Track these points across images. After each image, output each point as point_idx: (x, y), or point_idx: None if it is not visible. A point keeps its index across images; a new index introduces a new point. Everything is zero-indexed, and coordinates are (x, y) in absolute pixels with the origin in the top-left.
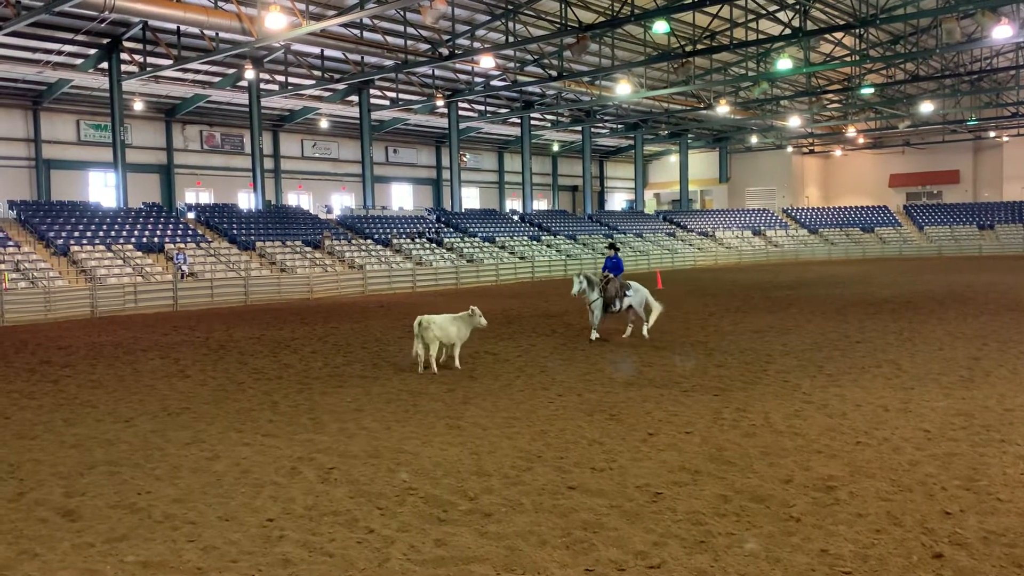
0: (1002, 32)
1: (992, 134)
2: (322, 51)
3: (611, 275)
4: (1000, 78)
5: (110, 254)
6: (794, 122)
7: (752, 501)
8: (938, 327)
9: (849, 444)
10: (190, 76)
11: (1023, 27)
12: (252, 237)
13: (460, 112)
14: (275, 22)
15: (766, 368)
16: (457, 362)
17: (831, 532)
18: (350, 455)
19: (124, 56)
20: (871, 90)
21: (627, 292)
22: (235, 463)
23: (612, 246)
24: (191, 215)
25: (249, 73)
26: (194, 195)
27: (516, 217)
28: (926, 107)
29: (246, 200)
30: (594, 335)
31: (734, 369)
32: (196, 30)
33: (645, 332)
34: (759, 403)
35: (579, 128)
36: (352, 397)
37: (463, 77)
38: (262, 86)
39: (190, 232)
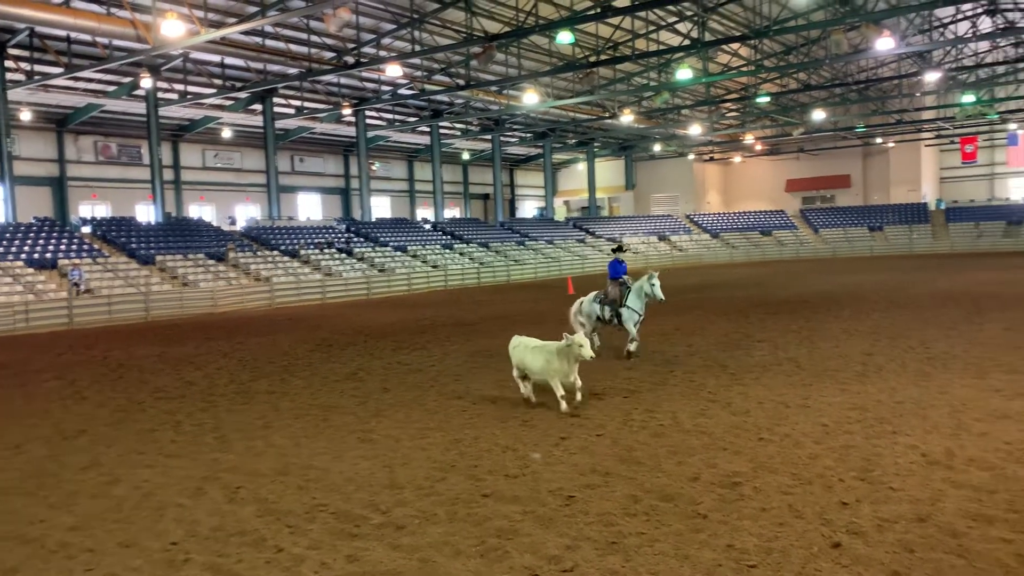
0: (884, 44)
1: (879, 140)
2: (223, 59)
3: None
4: (884, 87)
5: None
6: (695, 130)
7: (661, 500)
8: (834, 325)
9: (752, 441)
10: (82, 85)
11: (903, 39)
12: (152, 251)
13: (368, 121)
14: (172, 30)
15: (673, 369)
16: (563, 404)
17: (736, 527)
18: (258, 473)
19: (9, 64)
20: (766, 99)
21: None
22: (136, 486)
23: (620, 248)
24: (86, 229)
25: (146, 82)
26: (90, 208)
27: (428, 226)
28: (818, 115)
29: (145, 213)
30: (634, 345)
31: (643, 371)
32: (88, 37)
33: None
34: (667, 403)
35: (489, 137)
36: (260, 414)
37: (370, 86)
38: (160, 95)
39: (86, 247)
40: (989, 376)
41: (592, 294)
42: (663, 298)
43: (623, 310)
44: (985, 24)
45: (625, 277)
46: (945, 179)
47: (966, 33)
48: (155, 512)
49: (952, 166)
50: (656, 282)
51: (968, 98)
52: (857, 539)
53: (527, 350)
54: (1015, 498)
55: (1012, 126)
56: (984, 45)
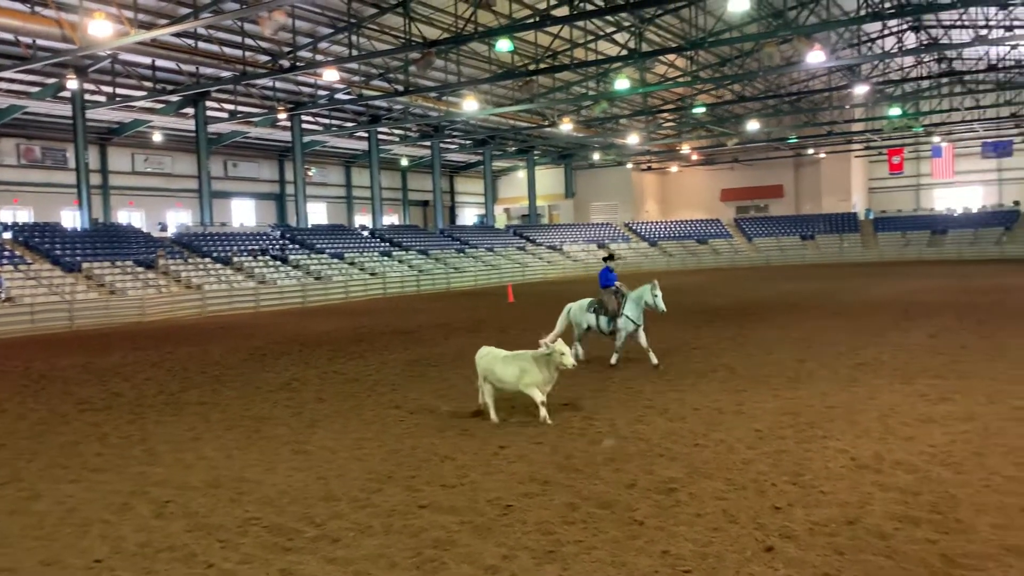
0: (815, 57)
1: (811, 151)
2: (153, 61)
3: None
4: (816, 99)
5: None
6: (633, 140)
7: (598, 507)
8: (767, 332)
9: (688, 446)
10: (4, 85)
11: (833, 53)
12: (78, 258)
13: (304, 125)
14: (100, 30)
15: (612, 376)
16: (543, 412)
17: (672, 533)
18: (188, 487)
19: None
20: (702, 110)
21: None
22: (59, 502)
23: (611, 256)
24: (7, 235)
25: (72, 83)
26: (11, 214)
27: (366, 232)
28: (752, 126)
29: (71, 219)
30: (614, 358)
31: (582, 377)
32: (10, 36)
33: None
34: (605, 410)
35: (428, 143)
36: (190, 425)
37: (306, 90)
38: (88, 97)
39: (7, 253)
40: (915, 382)
41: (586, 301)
42: (664, 309)
43: (619, 319)
44: (910, 40)
45: (618, 284)
46: (874, 189)
47: (892, 48)
48: (79, 528)
49: (880, 177)
50: (658, 292)
51: (895, 111)
52: (789, 543)
53: (497, 360)
54: (939, 500)
55: (936, 139)
56: (909, 60)
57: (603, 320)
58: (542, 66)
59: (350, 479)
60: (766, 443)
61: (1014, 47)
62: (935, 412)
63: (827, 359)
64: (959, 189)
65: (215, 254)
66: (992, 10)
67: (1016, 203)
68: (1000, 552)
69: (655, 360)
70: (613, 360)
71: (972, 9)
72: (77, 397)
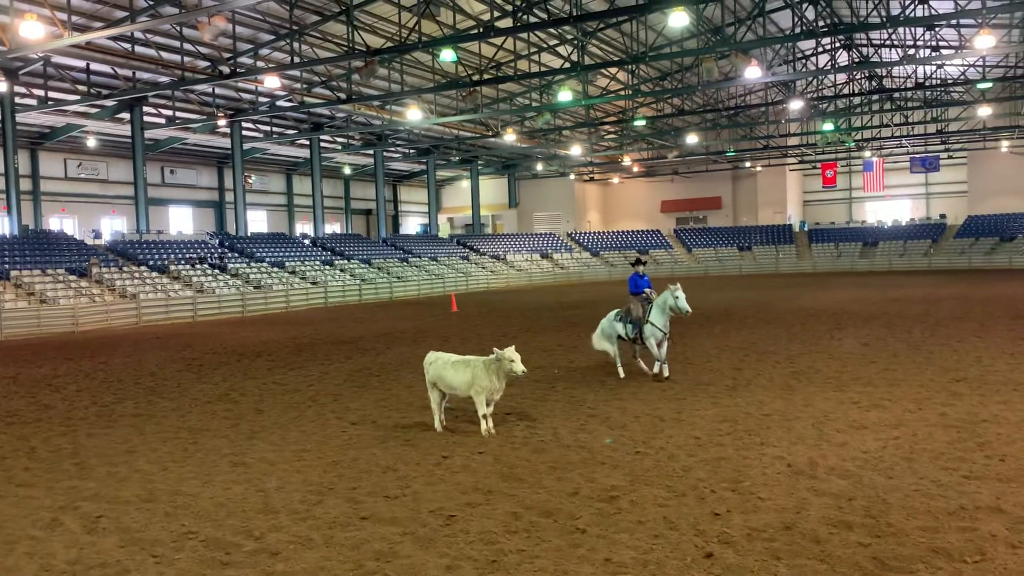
0: (752, 73)
1: (748, 164)
2: (88, 65)
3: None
4: (753, 114)
5: None
6: (575, 151)
7: (541, 516)
8: (706, 341)
9: (630, 454)
10: None
11: (769, 69)
12: (6, 266)
13: (244, 132)
14: (31, 31)
15: (555, 385)
16: (484, 425)
17: (614, 541)
18: (121, 501)
19: None
20: (643, 122)
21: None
22: None
23: (639, 260)
24: None
25: (1, 86)
26: None
27: (307, 241)
28: (691, 139)
29: None
30: (658, 367)
31: (525, 387)
32: None
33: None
34: (548, 419)
35: (371, 152)
36: (123, 438)
37: (247, 96)
38: (17, 100)
39: None
40: (848, 389)
41: (612, 312)
42: (689, 310)
43: (645, 327)
44: (843, 58)
45: (647, 291)
46: (808, 202)
47: (826, 65)
48: (5, 546)
49: (814, 190)
50: (680, 294)
51: (828, 126)
52: (728, 548)
53: (446, 365)
54: (871, 504)
55: (867, 153)
56: (842, 77)
57: (629, 327)
58: (486, 77)
59: (290, 491)
60: (705, 450)
61: (940, 66)
62: (867, 419)
63: (764, 367)
64: (889, 203)
65: (151, 262)
66: (919, 30)
67: (942, 216)
68: (929, 554)
69: (666, 372)
70: (656, 369)
71: (901, 29)
72: (4, 410)
